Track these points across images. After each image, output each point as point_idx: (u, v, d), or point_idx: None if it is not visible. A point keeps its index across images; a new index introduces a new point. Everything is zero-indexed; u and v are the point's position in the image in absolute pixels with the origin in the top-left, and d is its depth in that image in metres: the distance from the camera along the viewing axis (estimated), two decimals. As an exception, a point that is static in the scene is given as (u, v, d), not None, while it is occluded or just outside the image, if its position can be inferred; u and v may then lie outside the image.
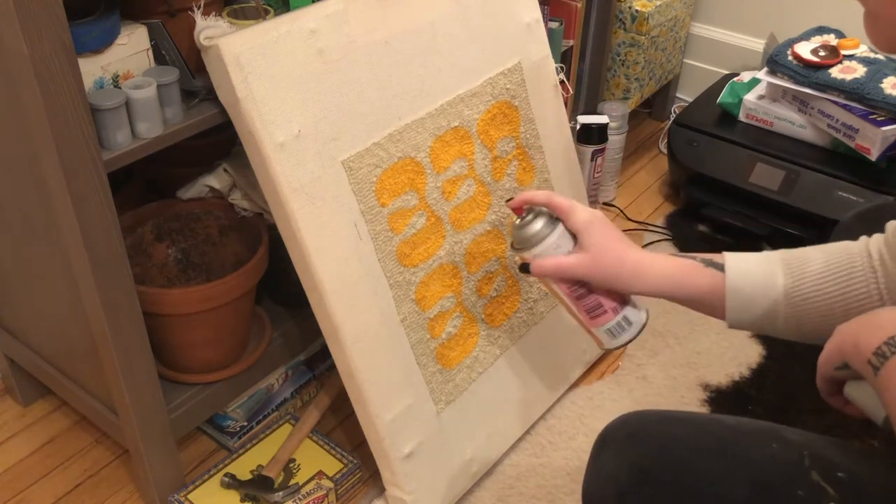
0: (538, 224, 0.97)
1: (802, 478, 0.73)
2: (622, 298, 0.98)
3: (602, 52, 1.88)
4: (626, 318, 0.98)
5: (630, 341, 1.00)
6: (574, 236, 0.98)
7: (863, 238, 0.87)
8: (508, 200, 1.05)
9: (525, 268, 1.01)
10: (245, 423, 1.36)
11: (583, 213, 0.97)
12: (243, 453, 1.29)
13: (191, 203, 1.26)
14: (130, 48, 1.00)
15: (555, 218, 0.98)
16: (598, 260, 0.95)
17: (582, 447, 1.36)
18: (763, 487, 0.73)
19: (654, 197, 1.98)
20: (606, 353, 1.54)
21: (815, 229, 1.74)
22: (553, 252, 0.97)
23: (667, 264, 0.93)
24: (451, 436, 1.24)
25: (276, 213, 1.08)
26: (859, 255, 0.86)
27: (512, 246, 1.01)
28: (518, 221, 0.99)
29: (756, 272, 0.88)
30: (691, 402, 1.44)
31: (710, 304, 0.91)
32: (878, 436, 1.35)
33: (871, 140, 1.61)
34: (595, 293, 0.96)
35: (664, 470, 0.77)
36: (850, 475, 0.73)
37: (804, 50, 1.72)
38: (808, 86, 1.69)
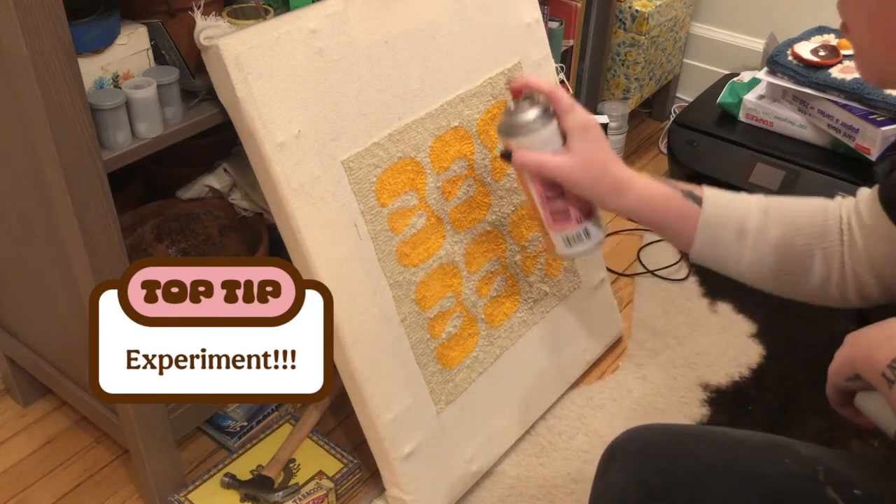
0: (532, 113, 0.93)
1: (818, 494, 0.72)
2: (589, 210, 0.96)
3: (602, 52, 1.88)
4: (586, 231, 0.96)
5: (582, 253, 0.98)
6: (564, 137, 0.95)
7: (838, 198, 0.88)
8: (509, 82, 1.00)
9: (507, 155, 0.97)
10: (245, 423, 1.36)
11: (581, 116, 0.94)
12: (243, 453, 1.29)
13: (191, 203, 1.26)
14: (130, 48, 1.00)
15: (551, 113, 0.94)
16: (583, 167, 0.92)
17: (582, 447, 1.36)
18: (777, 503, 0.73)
19: (654, 197, 1.98)
20: (606, 353, 1.54)
21: (815, 229, 1.74)
22: (540, 147, 0.94)
23: (647, 187, 0.92)
24: (451, 436, 1.24)
25: (276, 213, 1.08)
26: (833, 214, 0.86)
27: (499, 129, 0.97)
28: (513, 106, 0.95)
29: (731, 211, 0.88)
30: (691, 402, 1.44)
31: (679, 233, 0.91)
32: (878, 437, 1.35)
33: (871, 140, 1.61)
34: (566, 198, 0.94)
35: (675, 486, 0.75)
36: (865, 491, 0.72)
37: (804, 50, 1.72)
38: (808, 86, 1.69)
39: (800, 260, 0.89)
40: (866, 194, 0.87)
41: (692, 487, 0.75)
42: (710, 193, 0.90)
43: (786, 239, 0.88)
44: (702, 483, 0.75)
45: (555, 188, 0.94)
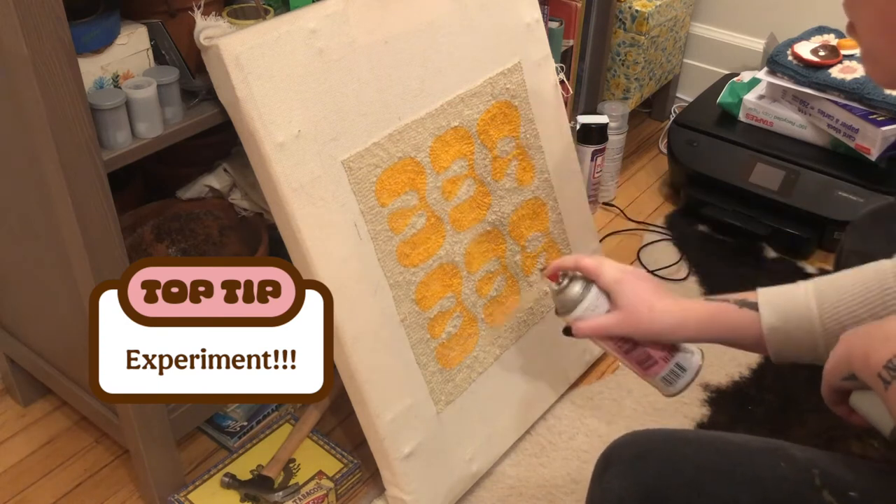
0: (573, 289, 0.99)
1: (814, 497, 0.72)
2: (670, 346, 0.98)
3: (602, 52, 1.88)
4: (678, 365, 0.98)
5: (687, 386, 1.00)
6: (609, 295, 0.99)
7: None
8: (542, 269, 1.04)
9: (568, 331, 1.02)
10: (245, 423, 1.36)
11: (610, 272, 0.97)
12: (243, 453, 1.29)
13: (191, 203, 1.26)
14: (130, 48, 1.00)
15: (588, 280, 1.00)
16: (632, 316, 0.95)
17: (582, 447, 1.36)
18: None
19: (654, 197, 1.98)
20: (606, 353, 1.54)
21: (815, 229, 1.74)
22: (591, 313, 0.98)
23: (700, 311, 0.93)
24: (451, 436, 1.24)
25: (276, 213, 1.08)
26: (893, 274, 0.84)
27: (556, 312, 1.03)
28: (555, 288, 1.02)
29: (789, 308, 0.87)
30: (691, 402, 1.44)
31: (750, 343, 0.90)
32: (877, 437, 1.35)
33: (871, 140, 1.61)
34: (641, 345, 0.97)
35: (673, 491, 0.75)
36: (861, 494, 0.72)
37: (804, 50, 1.72)
38: (808, 86, 1.69)
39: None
40: None
41: (689, 493, 0.75)
42: (763, 297, 0.89)
43: (851, 316, 0.85)
44: (698, 488, 0.75)
45: (627, 341, 0.97)
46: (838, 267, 1.16)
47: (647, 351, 0.97)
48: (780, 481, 0.74)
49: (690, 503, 0.74)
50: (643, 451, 0.80)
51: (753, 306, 0.89)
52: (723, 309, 0.91)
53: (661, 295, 0.96)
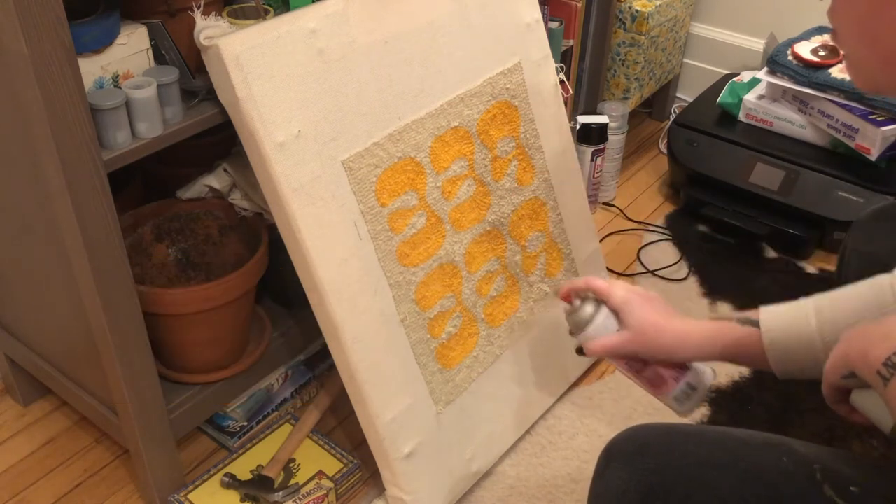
0: (585, 310, 1.01)
1: (815, 492, 0.72)
2: (680, 365, 1.00)
3: (602, 52, 1.88)
4: (688, 385, 1.00)
5: (699, 404, 1.02)
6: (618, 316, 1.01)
7: (895, 271, 0.87)
8: (556, 292, 1.10)
9: (580, 351, 1.04)
10: (245, 423, 1.36)
11: (619, 293, 1.00)
12: (243, 453, 1.29)
13: (191, 203, 1.26)
14: (130, 48, 1.00)
15: (599, 301, 1.02)
16: (640, 336, 0.97)
17: (582, 447, 1.36)
18: (775, 502, 0.73)
19: (654, 197, 1.98)
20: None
21: (816, 229, 1.74)
22: (602, 333, 1.00)
23: (704, 329, 0.95)
24: (451, 436, 1.24)
25: (276, 213, 1.08)
26: (890, 288, 0.85)
27: (569, 332, 1.06)
28: (569, 308, 1.04)
29: (789, 324, 0.88)
30: (691, 402, 1.44)
31: (753, 359, 0.92)
32: (877, 436, 1.35)
33: (871, 140, 1.61)
34: (651, 365, 0.99)
35: (674, 485, 0.76)
36: (862, 489, 0.72)
37: (804, 50, 1.72)
38: (808, 86, 1.69)
39: None
40: None
41: (690, 487, 0.75)
42: (764, 314, 0.91)
43: (844, 327, 0.86)
44: (700, 482, 0.75)
45: (638, 360, 1.00)
46: (841, 266, 1.16)
47: (658, 370, 0.99)
48: (781, 475, 0.75)
49: (692, 496, 0.75)
50: (645, 445, 0.80)
51: (755, 323, 0.90)
52: (725, 326, 0.93)
53: (667, 315, 0.98)
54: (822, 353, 0.85)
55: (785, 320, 0.89)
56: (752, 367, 0.94)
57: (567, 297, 1.05)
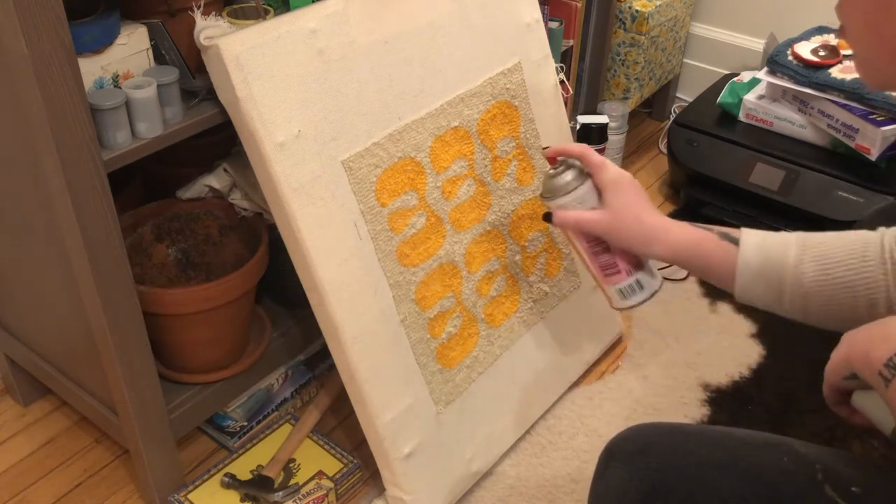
0: (567, 176, 0.99)
1: (816, 492, 0.72)
2: (637, 262, 0.98)
3: (602, 52, 1.88)
4: (638, 282, 0.99)
5: (638, 304, 1.00)
6: (601, 194, 0.99)
7: (880, 229, 0.87)
8: (545, 148, 1.05)
9: (548, 217, 1.01)
10: (245, 423, 1.36)
11: (612, 172, 0.98)
12: (243, 453, 1.29)
13: (191, 203, 1.26)
14: (130, 48, 1.00)
15: (586, 173, 0.99)
16: (617, 219, 0.96)
17: (582, 447, 1.36)
18: (776, 502, 0.73)
19: (654, 197, 1.98)
20: (606, 353, 1.54)
21: (815, 229, 1.73)
22: (577, 206, 0.98)
23: (683, 232, 0.93)
24: (451, 436, 1.24)
25: (276, 213, 1.08)
26: (874, 244, 0.85)
27: (541, 195, 1.02)
28: (550, 171, 1.01)
29: (768, 248, 0.88)
30: (691, 402, 1.44)
31: (720, 276, 0.91)
32: (877, 437, 1.35)
33: (871, 140, 1.61)
34: (612, 252, 0.97)
35: (675, 484, 0.75)
36: (863, 490, 0.72)
37: (804, 50, 1.72)
38: (808, 86, 1.69)
39: (842, 291, 0.87)
40: None
41: (691, 486, 0.75)
42: (747, 233, 0.90)
43: (825, 272, 0.87)
44: (701, 482, 0.75)
45: (600, 243, 0.98)
46: None
47: (615, 258, 0.97)
48: (782, 475, 0.74)
49: (693, 496, 0.74)
50: (646, 444, 0.80)
51: (735, 241, 0.89)
52: (705, 236, 0.92)
53: (651, 208, 0.96)
54: (789, 287, 0.85)
55: (765, 246, 0.88)
56: (714, 283, 0.93)
57: (552, 160, 1.02)
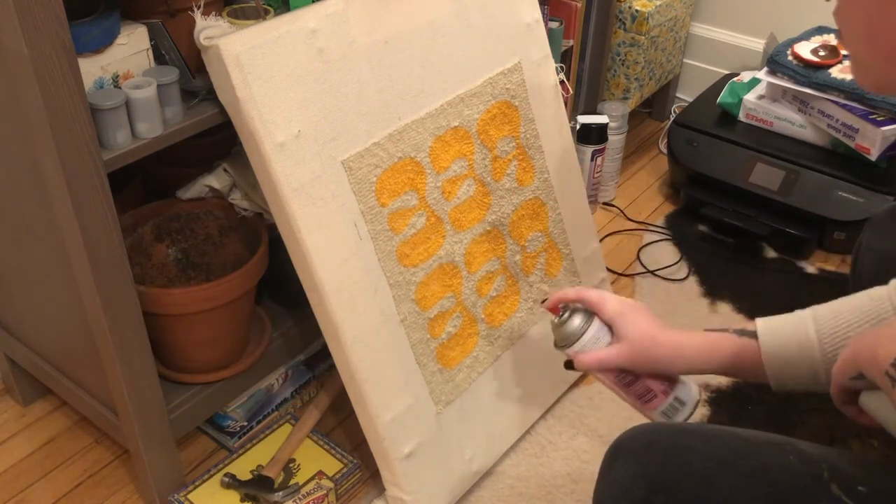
0: (575, 321, 0.99)
1: (822, 491, 0.72)
2: (670, 380, 0.99)
3: (602, 52, 1.88)
4: (677, 399, 0.99)
5: (687, 419, 1.00)
6: (610, 328, 1.00)
7: (892, 283, 0.86)
8: (543, 302, 1.07)
9: (569, 364, 1.02)
10: (245, 423, 1.36)
11: (613, 304, 0.99)
12: (243, 453, 1.29)
13: (191, 203, 1.26)
14: (130, 48, 1.00)
15: (591, 312, 1.01)
16: (635, 347, 0.97)
17: (582, 447, 1.36)
18: (781, 500, 0.73)
19: (654, 197, 1.98)
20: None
21: (816, 229, 1.74)
22: (593, 346, 0.99)
23: (701, 341, 0.94)
24: (451, 436, 1.24)
25: (276, 213, 1.08)
26: (888, 300, 0.85)
27: (555, 344, 1.03)
28: (556, 320, 1.02)
29: (788, 335, 0.88)
30: (691, 402, 1.44)
31: (749, 371, 0.91)
32: (877, 437, 1.35)
33: (871, 140, 1.61)
34: (642, 379, 0.98)
35: (680, 482, 0.75)
36: (869, 489, 0.72)
37: (804, 50, 1.72)
38: (808, 86, 1.69)
39: None
40: None
41: (696, 483, 0.75)
42: (761, 324, 0.90)
43: (844, 339, 0.86)
44: (705, 479, 0.75)
45: (628, 374, 0.98)
46: (856, 263, 1.16)
47: (647, 384, 0.98)
48: (787, 474, 0.74)
49: (698, 494, 0.74)
50: (650, 442, 0.80)
51: (752, 335, 0.90)
52: (721, 338, 0.93)
53: (661, 327, 0.97)
54: (821, 364, 0.85)
55: (783, 332, 0.88)
56: (749, 380, 0.94)
57: (555, 309, 1.04)
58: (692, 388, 1.00)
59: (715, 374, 0.95)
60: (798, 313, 0.89)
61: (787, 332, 0.88)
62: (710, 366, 0.94)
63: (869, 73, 0.77)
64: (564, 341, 1.01)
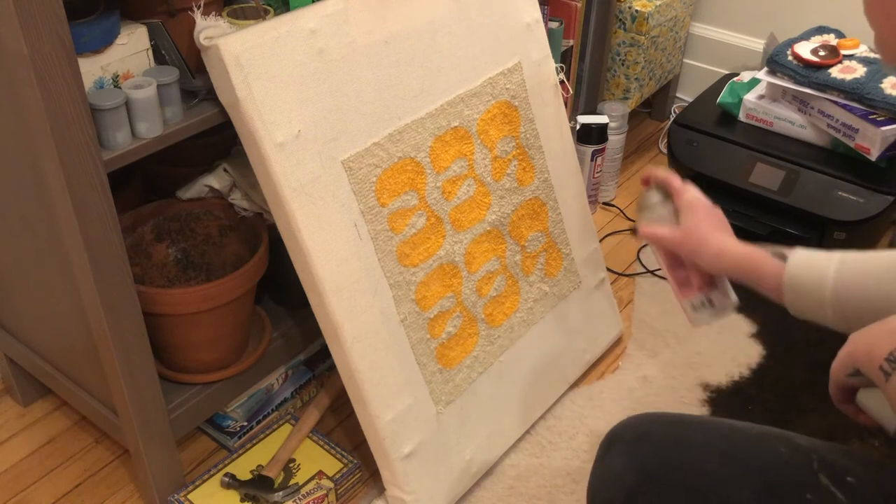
0: (654, 197, 1.09)
1: (811, 481, 0.73)
2: (711, 280, 1.06)
3: (602, 52, 1.88)
4: (708, 299, 1.06)
5: (708, 321, 1.07)
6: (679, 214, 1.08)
7: None
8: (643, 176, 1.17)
9: (635, 231, 1.10)
10: (245, 423, 1.36)
11: (688, 196, 1.06)
12: (243, 453, 1.29)
13: (191, 203, 1.26)
14: (130, 48, 1.00)
15: (670, 195, 1.10)
16: (685, 237, 1.03)
17: (582, 447, 1.36)
18: (772, 490, 0.74)
19: (654, 197, 1.98)
20: (606, 353, 1.54)
21: (816, 229, 1.74)
22: (658, 223, 1.08)
23: (740, 252, 0.99)
24: (451, 436, 1.24)
25: (276, 213, 1.08)
26: None
27: (636, 212, 1.15)
28: (644, 192, 1.12)
29: (811, 267, 0.91)
30: (691, 402, 1.44)
31: (770, 290, 0.95)
32: (878, 436, 1.35)
33: (871, 140, 1.61)
34: (687, 268, 1.06)
35: (672, 471, 0.77)
36: (858, 480, 0.73)
37: (804, 50, 1.72)
38: (808, 86, 1.69)
39: (880, 301, 0.87)
40: None
41: (688, 472, 0.77)
42: (795, 253, 0.94)
43: (862, 284, 0.88)
44: (697, 468, 0.77)
45: (676, 258, 1.07)
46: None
47: (689, 274, 1.06)
48: (778, 464, 0.76)
49: (688, 482, 0.76)
50: (645, 431, 0.82)
51: (784, 258, 0.94)
52: (758, 255, 0.97)
53: (717, 229, 1.03)
54: (828, 302, 0.87)
55: (809, 263, 0.91)
56: (771, 298, 0.97)
57: (646, 182, 1.12)
58: (729, 299, 1.07)
59: (749, 287, 0.98)
60: (832, 252, 0.91)
61: (812, 264, 0.91)
62: (738, 275, 0.99)
63: (888, 48, 0.79)
64: (639, 210, 1.12)
